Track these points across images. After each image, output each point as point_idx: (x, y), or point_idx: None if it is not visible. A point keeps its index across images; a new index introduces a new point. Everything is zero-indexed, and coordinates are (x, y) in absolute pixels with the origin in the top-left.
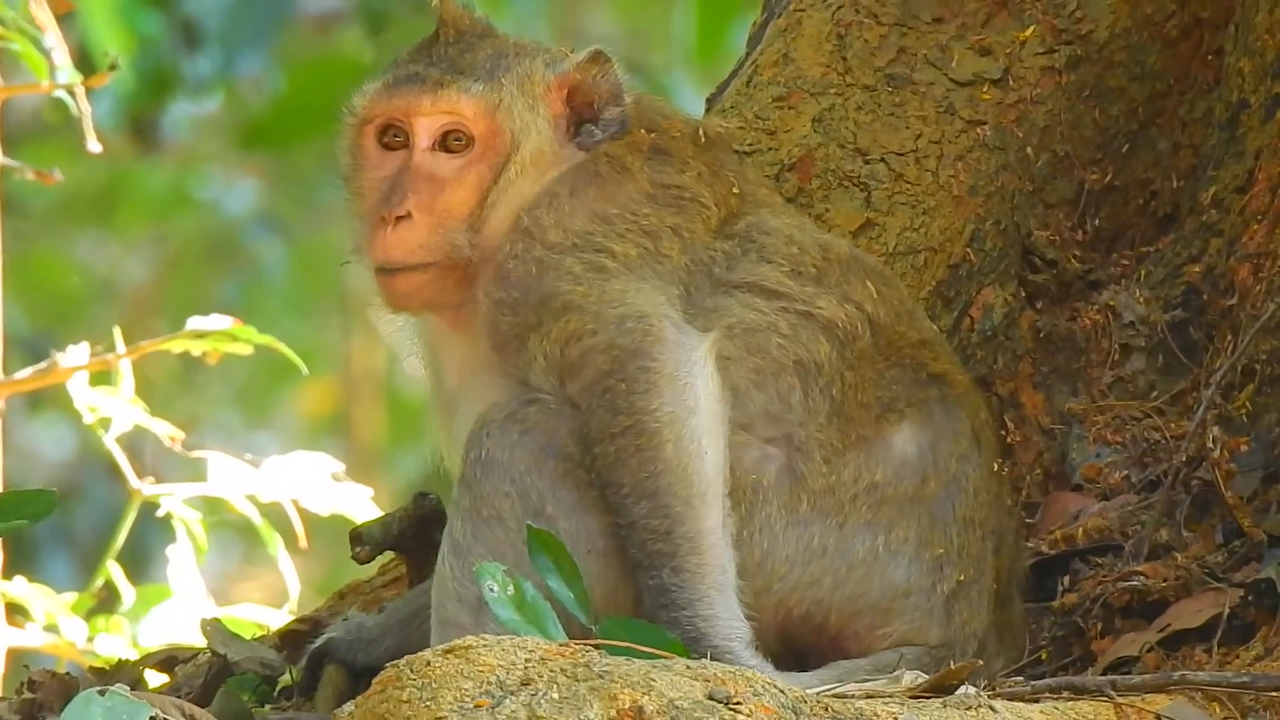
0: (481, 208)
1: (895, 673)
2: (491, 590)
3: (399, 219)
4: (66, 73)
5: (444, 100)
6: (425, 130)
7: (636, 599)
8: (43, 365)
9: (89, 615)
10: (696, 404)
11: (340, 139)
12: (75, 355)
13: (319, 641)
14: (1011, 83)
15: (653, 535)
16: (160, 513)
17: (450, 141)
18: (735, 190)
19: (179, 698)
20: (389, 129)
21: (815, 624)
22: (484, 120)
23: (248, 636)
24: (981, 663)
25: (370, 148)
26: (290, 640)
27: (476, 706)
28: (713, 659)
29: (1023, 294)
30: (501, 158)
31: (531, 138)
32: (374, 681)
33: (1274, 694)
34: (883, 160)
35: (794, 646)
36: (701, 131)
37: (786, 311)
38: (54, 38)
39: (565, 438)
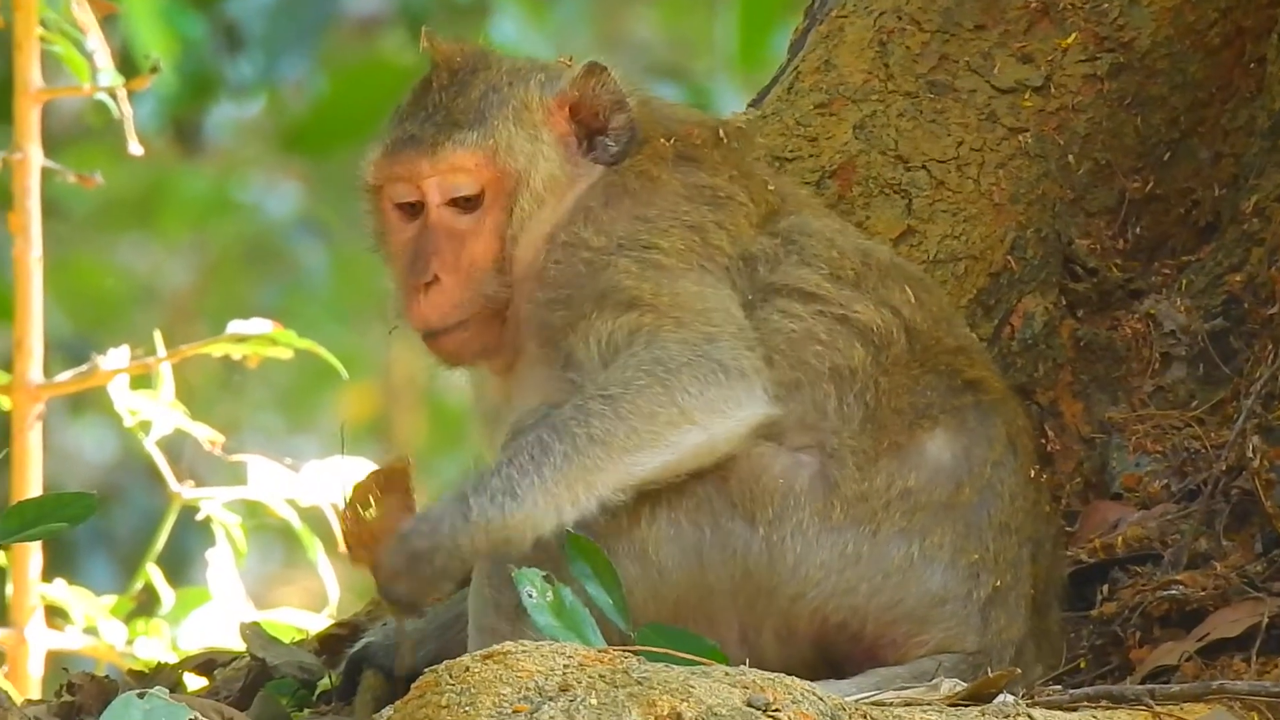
0: (505, 249)
1: (933, 680)
2: (530, 596)
3: (428, 285)
4: (108, 75)
5: (442, 161)
6: (433, 191)
7: (679, 601)
8: (83, 368)
9: (128, 618)
10: (724, 431)
11: (361, 206)
12: (116, 358)
13: (358, 646)
14: (1053, 90)
15: (569, 436)
16: (200, 516)
17: (459, 199)
18: (771, 188)
19: (218, 701)
20: (400, 194)
21: (851, 632)
22: (486, 169)
23: (287, 641)
24: (1019, 671)
25: (389, 212)
26: (329, 645)
27: (515, 712)
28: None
29: (1063, 302)
30: (513, 197)
31: (540, 166)
32: (413, 687)
33: None
34: (924, 167)
35: (830, 655)
36: (722, 132)
37: (823, 315)
38: (96, 40)
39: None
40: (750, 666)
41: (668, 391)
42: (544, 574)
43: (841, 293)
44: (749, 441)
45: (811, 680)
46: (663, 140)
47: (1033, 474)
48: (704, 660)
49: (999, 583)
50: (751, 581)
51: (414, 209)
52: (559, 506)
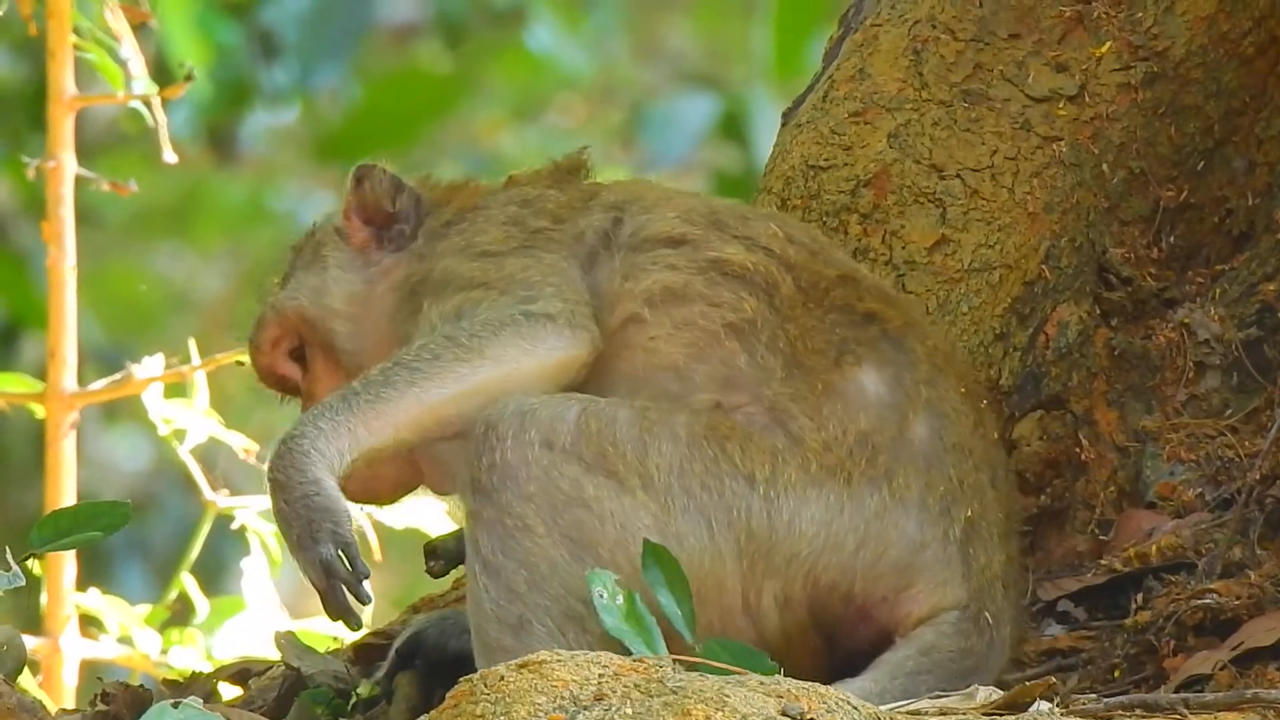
0: (351, 373)
1: (968, 689)
2: (600, 597)
3: None
4: (143, 83)
5: (267, 337)
6: (281, 361)
7: (690, 569)
8: (117, 377)
9: (163, 627)
10: (520, 365)
11: None
12: (150, 367)
13: (407, 633)
14: (1087, 99)
15: (366, 382)
16: (235, 525)
17: (294, 355)
18: (590, 184)
19: (252, 711)
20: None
21: (842, 593)
22: (288, 324)
23: (322, 650)
24: (1055, 681)
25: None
26: (364, 654)
27: None
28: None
29: (1098, 311)
30: (326, 330)
31: (334, 291)
32: (447, 696)
33: None
34: (958, 176)
35: (824, 622)
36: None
37: (696, 262)
38: (130, 48)
39: (577, 414)
40: (754, 637)
41: (456, 341)
42: (616, 578)
43: (706, 234)
44: (559, 376)
45: (815, 663)
46: (457, 195)
47: (965, 391)
48: (740, 670)
49: (970, 513)
50: (754, 543)
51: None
52: (354, 434)
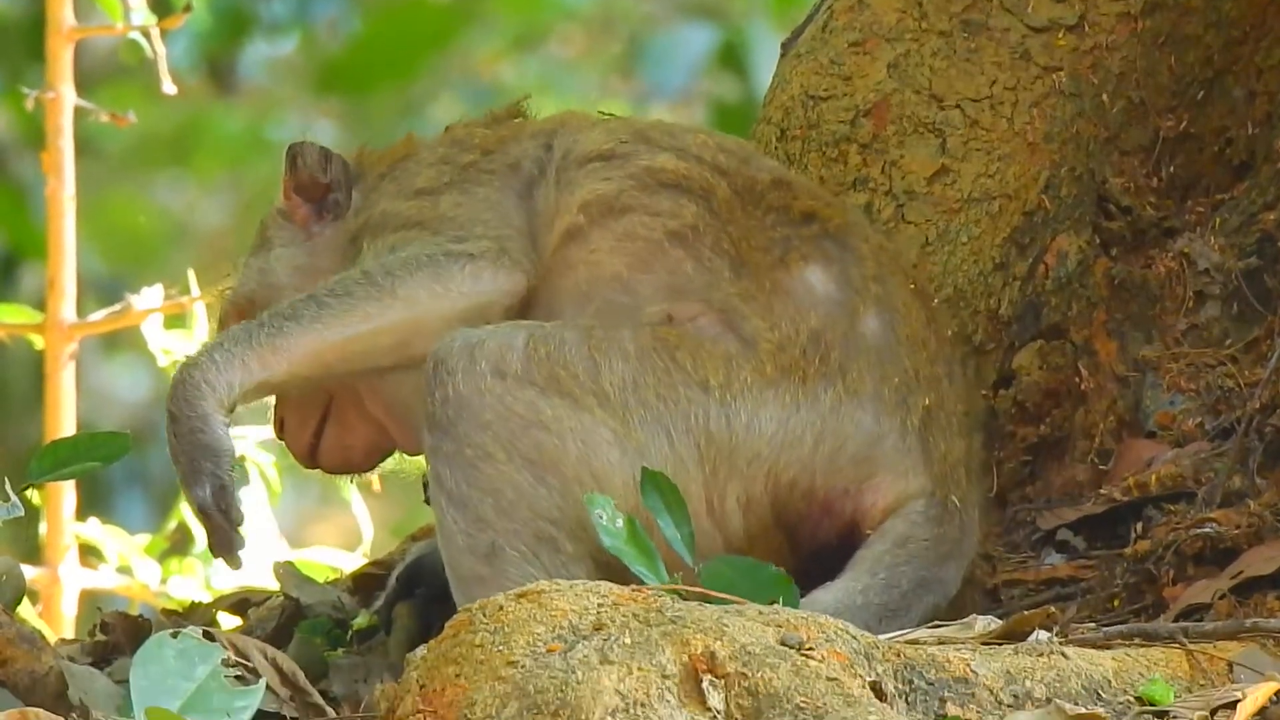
0: None
1: (967, 619)
2: (601, 518)
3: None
4: (141, 14)
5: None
6: None
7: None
8: (117, 308)
9: (162, 557)
10: (433, 307)
11: None
12: (149, 298)
13: (406, 563)
14: (1087, 29)
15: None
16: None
17: None
18: (519, 121)
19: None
20: None
21: (803, 490)
22: (241, 305)
23: (321, 580)
24: (1055, 610)
25: None
26: (363, 584)
27: (549, 651)
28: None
29: (1097, 241)
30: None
31: (278, 268)
32: (446, 626)
33: None
34: (958, 106)
35: (787, 520)
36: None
37: (629, 172)
38: None
39: (524, 341)
40: (719, 540)
41: (371, 279)
42: (614, 501)
43: (635, 146)
44: (477, 317)
45: (780, 562)
46: (391, 152)
47: (914, 288)
48: (739, 600)
49: (927, 401)
50: (714, 447)
51: None
52: (245, 368)
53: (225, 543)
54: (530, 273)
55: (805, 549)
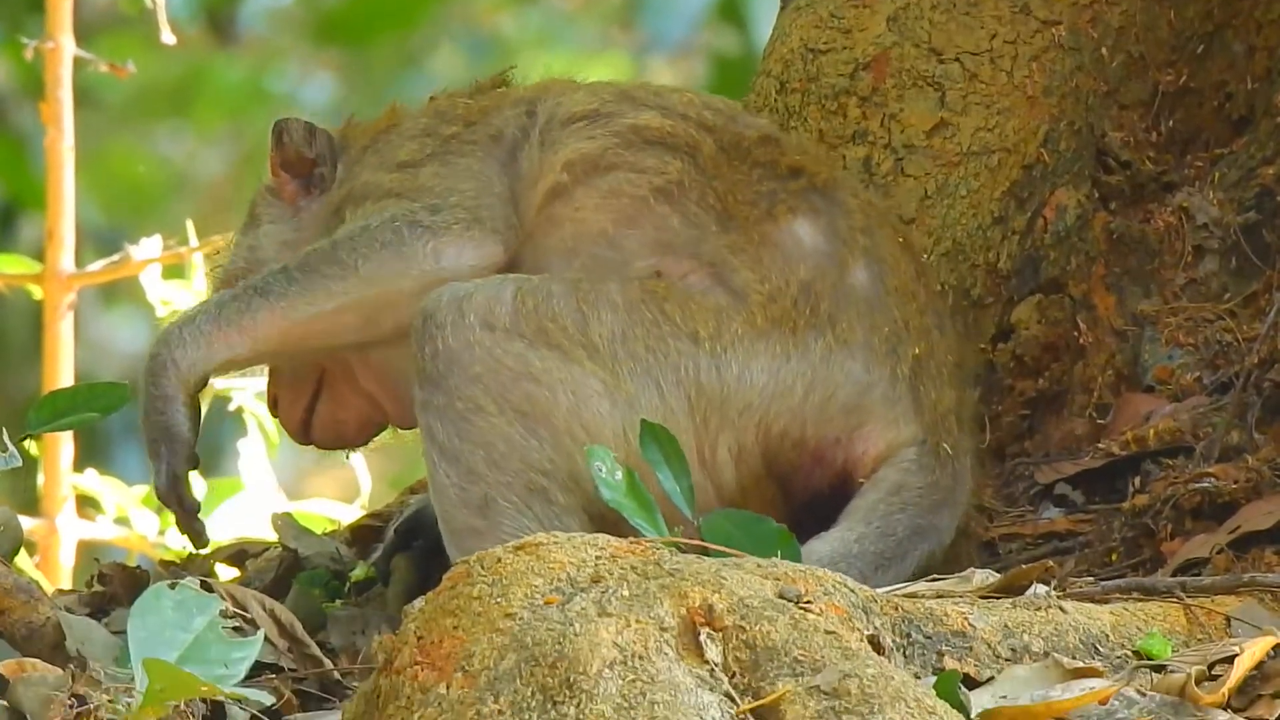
0: None
1: (964, 572)
2: (600, 471)
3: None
4: None
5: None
6: None
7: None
8: (115, 258)
9: (160, 509)
10: (394, 285)
11: None
12: (148, 248)
13: (405, 515)
14: None
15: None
16: (232, 406)
17: None
18: (499, 91)
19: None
20: None
21: (794, 439)
22: (232, 282)
23: (319, 531)
24: (1052, 563)
25: None
26: (361, 536)
27: (546, 603)
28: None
29: (1096, 195)
30: None
31: (265, 243)
32: (444, 578)
33: None
34: (957, 60)
35: (778, 470)
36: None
37: (612, 130)
38: None
39: (512, 293)
40: (711, 492)
41: (336, 255)
42: (614, 454)
43: (619, 106)
44: (436, 286)
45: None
46: (376, 124)
47: (903, 241)
48: (736, 553)
49: (917, 350)
50: (705, 398)
51: None
52: (210, 346)
53: (186, 528)
54: (509, 241)
55: (798, 499)
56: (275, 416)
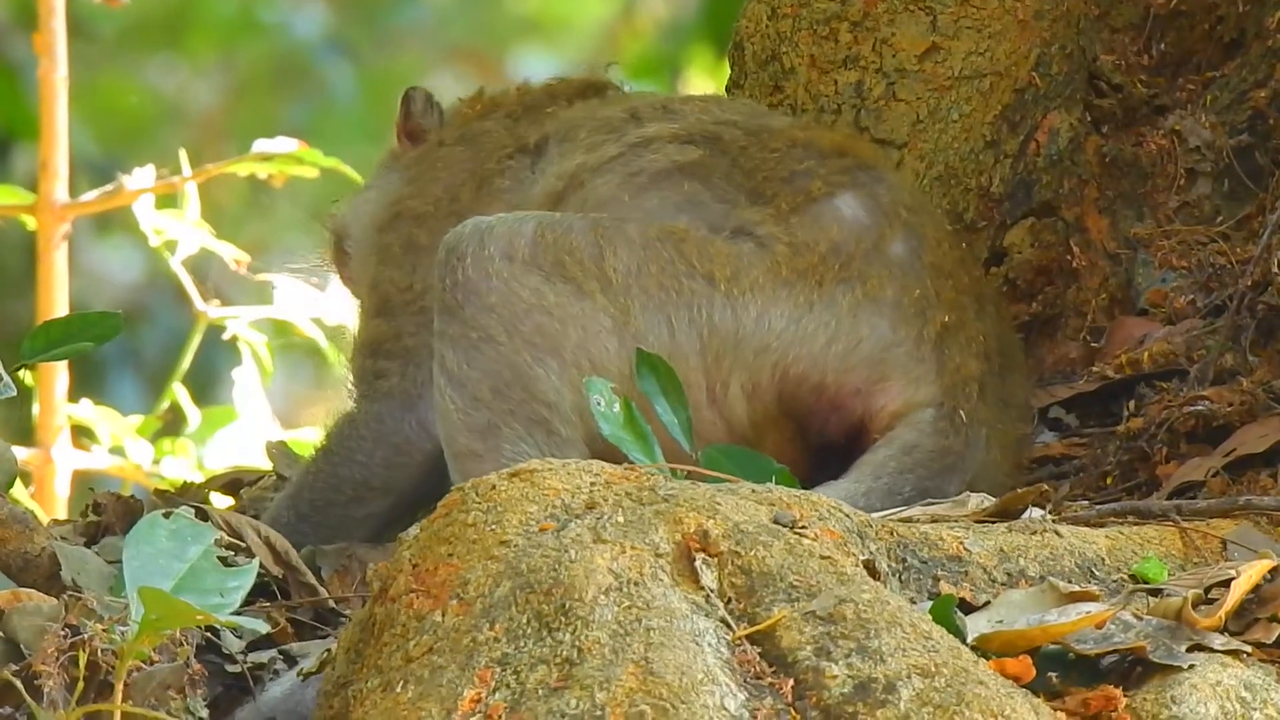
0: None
1: (960, 496)
2: (598, 404)
3: None
4: None
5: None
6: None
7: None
8: (109, 188)
9: (155, 438)
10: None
11: None
12: (142, 178)
13: None
14: None
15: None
16: (226, 335)
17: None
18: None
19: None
20: None
21: (813, 384)
22: (339, 230)
23: None
24: (1048, 488)
25: None
26: None
27: (541, 530)
28: None
29: (1088, 119)
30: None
31: (369, 208)
32: (439, 505)
33: None
34: None
35: (795, 411)
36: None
37: (624, 141)
38: None
39: (534, 227)
40: (721, 427)
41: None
42: (612, 385)
43: (638, 129)
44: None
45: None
46: (455, 118)
47: (950, 228)
48: (730, 479)
49: (947, 319)
50: (717, 337)
51: None
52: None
53: None
54: None
55: (813, 443)
56: None
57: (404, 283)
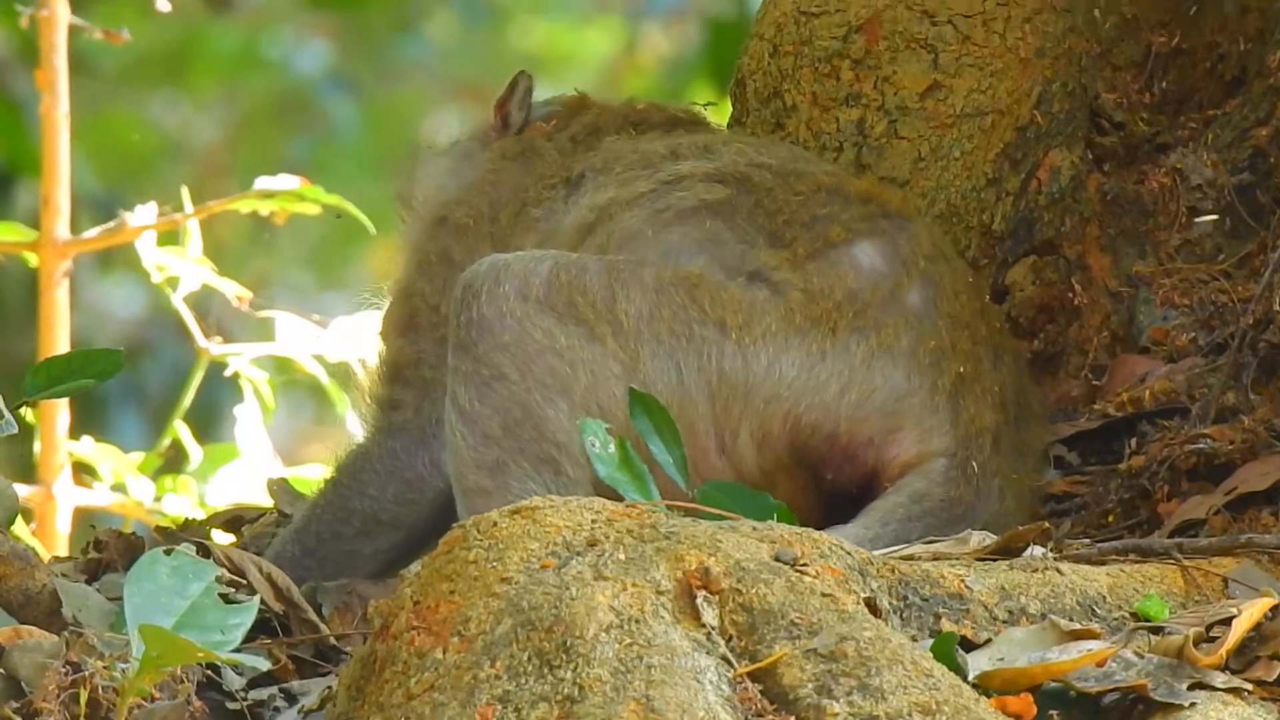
0: None
1: (961, 534)
2: (593, 446)
3: None
4: None
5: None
6: None
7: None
8: (111, 225)
9: (156, 475)
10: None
11: None
12: (144, 215)
13: None
14: None
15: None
16: (228, 372)
17: None
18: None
19: None
20: None
21: (826, 433)
22: (406, 194)
23: None
24: (1049, 525)
25: None
26: None
27: (543, 567)
28: None
29: (1090, 156)
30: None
31: (434, 183)
32: (440, 542)
33: None
34: (950, 22)
35: (808, 460)
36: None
37: (657, 178)
38: None
39: (550, 267)
40: (730, 473)
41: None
42: (607, 426)
43: (673, 166)
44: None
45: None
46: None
47: (970, 279)
48: (732, 516)
49: (962, 369)
50: (726, 384)
51: None
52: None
53: None
54: None
55: (825, 491)
56: None
57: (434, 300)
